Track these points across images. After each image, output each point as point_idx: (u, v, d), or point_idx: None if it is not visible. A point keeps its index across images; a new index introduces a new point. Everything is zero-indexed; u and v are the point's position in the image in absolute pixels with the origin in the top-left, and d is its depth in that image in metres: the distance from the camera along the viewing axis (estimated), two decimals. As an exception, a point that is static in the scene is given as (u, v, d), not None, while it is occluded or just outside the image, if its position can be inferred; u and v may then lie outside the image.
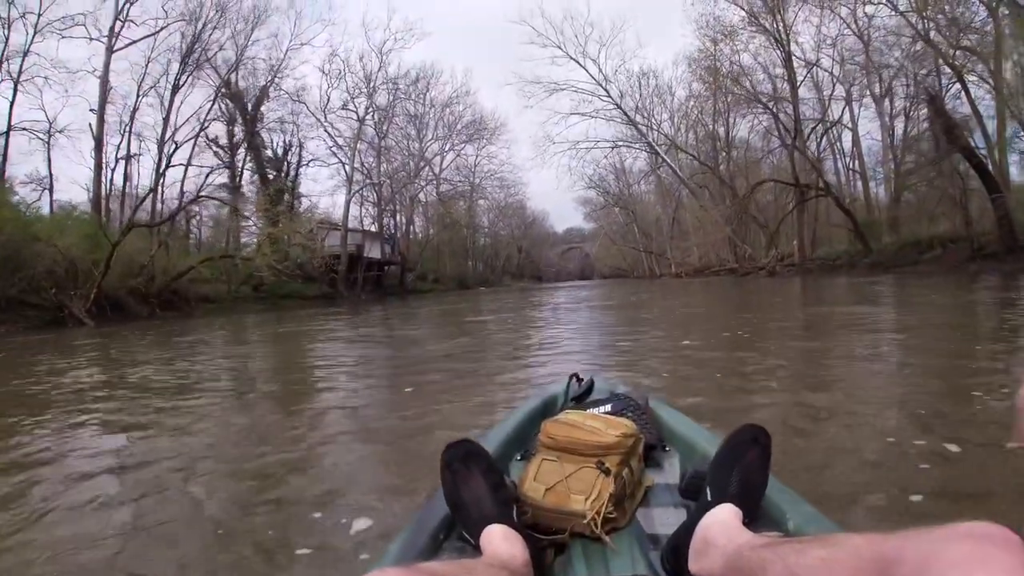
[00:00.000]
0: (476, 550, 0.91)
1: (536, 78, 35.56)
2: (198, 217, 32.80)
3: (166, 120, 22.96)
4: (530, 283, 63.31)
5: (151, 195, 22.30)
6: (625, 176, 51.52)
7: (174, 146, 23.14)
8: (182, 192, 23.19)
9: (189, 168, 24.51)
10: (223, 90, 30.75)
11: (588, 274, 74.44)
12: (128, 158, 24.21)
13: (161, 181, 23.00)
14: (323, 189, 68.63)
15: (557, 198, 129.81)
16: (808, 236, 27.21)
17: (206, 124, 25.12)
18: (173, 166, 23.39)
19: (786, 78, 27.17)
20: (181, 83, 23.36)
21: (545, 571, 0.94)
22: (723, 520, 0.85)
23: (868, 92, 27.71)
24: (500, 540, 0.88)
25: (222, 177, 31.16)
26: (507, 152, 70.47)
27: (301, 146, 34.86)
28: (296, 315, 17.29)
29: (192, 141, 24.48)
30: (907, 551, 0.47)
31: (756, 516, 0.93)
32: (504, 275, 66.36)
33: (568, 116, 35.95)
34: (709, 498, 0.92)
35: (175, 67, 23.98)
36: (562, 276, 74.75)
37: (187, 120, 24.94)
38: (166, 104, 23.08)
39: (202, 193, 22.94)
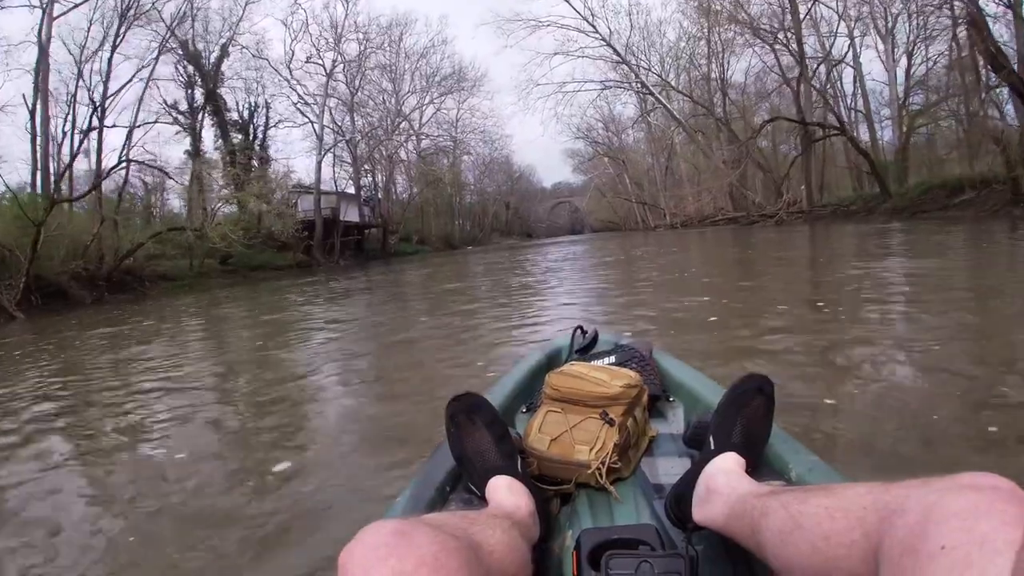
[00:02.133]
0: (482, 501, 0.90)
1: (515, 14, 32.78)
2: (161, 190, 30.65)
3: (106, 83, 20.44)
4: (520, 240, 62.04)
5: (96, 167, 20.00)
6: (615, 124, 49.37)
7: (93, 107, 20.32)
8: (122, 159, 20.78)
9: (137, 134, 21.99)
10: (178, 50, 28.32)
11: (578, 229, 73.48)
12: (74, 131, 21.86)
13: (85, 146, 20.48)
14: (297, 151, 66.11)
15: (544, 149, 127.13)
16: (816, 181, 25.35)
17: (144, 73, 22.45)
18: (107, 127, 20.92)
19: (788, 9, 24.94)
20: (119, 41, 20.73)
21: (551, 521, 0.93)
22: (726, 469, 0.84)
23: (873, 28, 25.54)
24: (505, 491, 0.88)
25: (183, 145, 28.94)
26: (489, 104, 68.16)
27: (268, 107, 32.53)
28: (261, 289, 15.69)
29: (137, 104, 21.94)
30: (910, 500, 0.47)
31: (759, 465, 0.92)
32: (492, 233, 64.79)
33: (552, 56, 33.31)
34: (713, 447, 0.91)
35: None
36: (552, 231, 73.69)
37: (141, 83, 22.52)
38: (104, 66, 20.49)
39: (134, 158, 20.48)
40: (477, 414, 0.99)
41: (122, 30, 20.56)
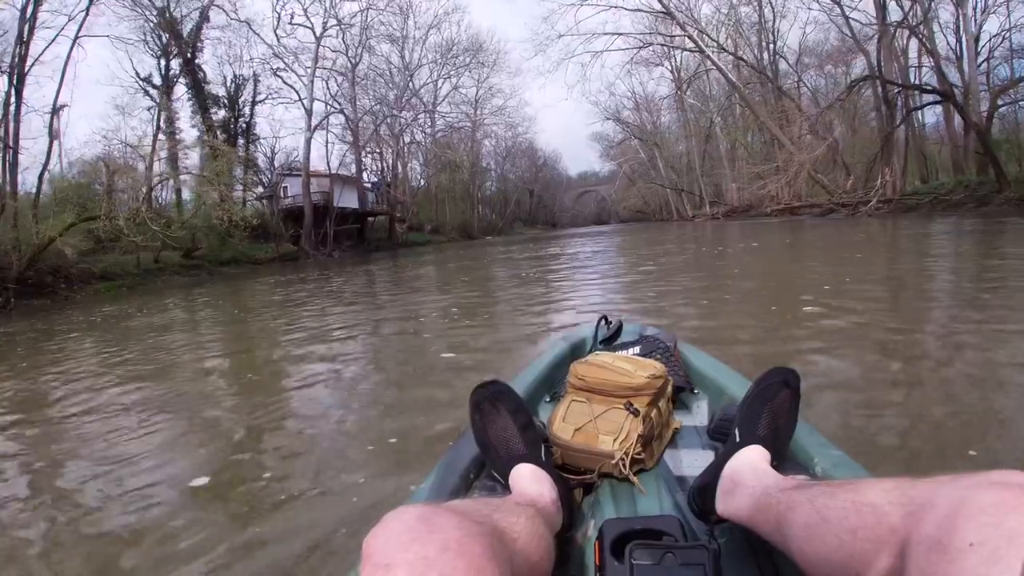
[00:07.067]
0: (505, 489, 0.89)
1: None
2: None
3: (26, 41, 16.51)
4: (544, 230, 58.23)
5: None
6: (647, 103, 45.00)
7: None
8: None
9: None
10: (153, 16, 24.87)
11: (605, 218, 70.19)
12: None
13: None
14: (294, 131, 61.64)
15: (570, 135, 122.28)
16: (900, 164, 20.74)
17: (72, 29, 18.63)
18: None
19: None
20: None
21: (574, 510, 0.91)
22: (751, 462, 0.83)
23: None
24: (528, 479, 0.87)
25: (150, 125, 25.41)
26: (511, 83, 64.02)
27: (256, 80, 28.93)
28: (211, 293, 12.34)
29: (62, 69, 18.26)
30: (937, 496, 0.47)
31: (784, 458, 0.90)
32: (515, 221, 61.03)
33: (580, 6, 28.82)
34: (738, 440, 0.89)
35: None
36: (578, 221, 70.31)
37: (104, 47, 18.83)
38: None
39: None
40: (502, 402, 0.97)
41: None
